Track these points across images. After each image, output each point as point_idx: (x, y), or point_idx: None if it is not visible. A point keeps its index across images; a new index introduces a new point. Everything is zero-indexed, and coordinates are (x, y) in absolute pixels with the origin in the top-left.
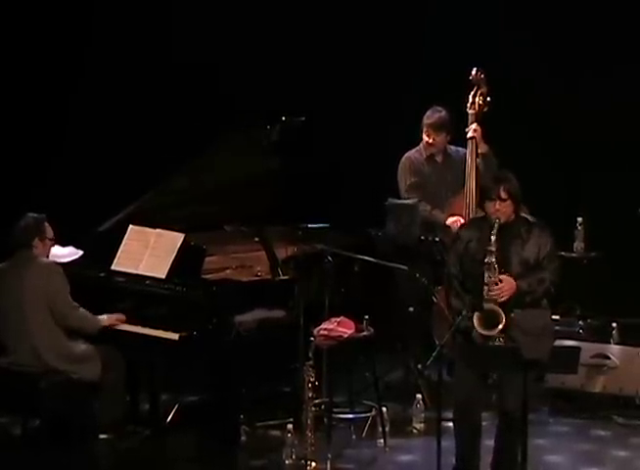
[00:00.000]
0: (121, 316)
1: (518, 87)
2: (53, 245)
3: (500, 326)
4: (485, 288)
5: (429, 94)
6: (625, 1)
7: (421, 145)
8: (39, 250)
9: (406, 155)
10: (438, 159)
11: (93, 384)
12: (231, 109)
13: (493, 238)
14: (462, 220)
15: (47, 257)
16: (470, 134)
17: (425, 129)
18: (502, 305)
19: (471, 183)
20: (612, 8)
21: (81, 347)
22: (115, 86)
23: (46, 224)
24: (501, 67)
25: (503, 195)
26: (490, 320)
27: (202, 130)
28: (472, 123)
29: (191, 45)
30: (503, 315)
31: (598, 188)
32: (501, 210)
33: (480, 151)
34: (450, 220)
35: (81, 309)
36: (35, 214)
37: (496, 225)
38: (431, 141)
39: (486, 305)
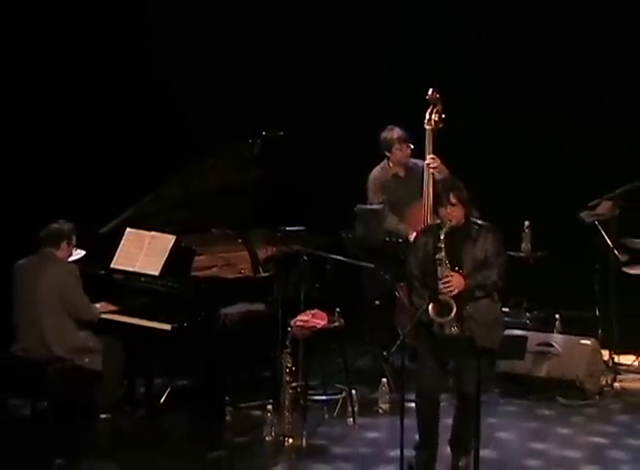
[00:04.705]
0: (109, 306)
1: (469, 92)
2: (72, 252)
3: (452, 314)
4: (440, 283)
5: (390, 111)
6: (580, 10)
7: (384, 163)
8: (64, 252)
9: (373, 174)
10: (401, 174)
11: (95, 371)
12: (216, 124)
13: (442, 236)
14: None
15: (67, 259)
16: (430, 168)
17: (397, 145)
18: (456, 297)
19: (428, 198)
20: (566, 17)
21: (86, 339)
22: (115, 101)
23: (74, 234)
24: (453, 70)
25: (453, 200)
26: (444, 310)
27: (189, 145)
28: (428, 141)
29: (178, 67)
30: (454, 305)
31: (543, 193)
32: (452, 213)
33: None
34: (412, 236)
35: (92, 305)
36: (68, 223)
37: (446, 226)
38: (407, 153)
39: (441, 298)
